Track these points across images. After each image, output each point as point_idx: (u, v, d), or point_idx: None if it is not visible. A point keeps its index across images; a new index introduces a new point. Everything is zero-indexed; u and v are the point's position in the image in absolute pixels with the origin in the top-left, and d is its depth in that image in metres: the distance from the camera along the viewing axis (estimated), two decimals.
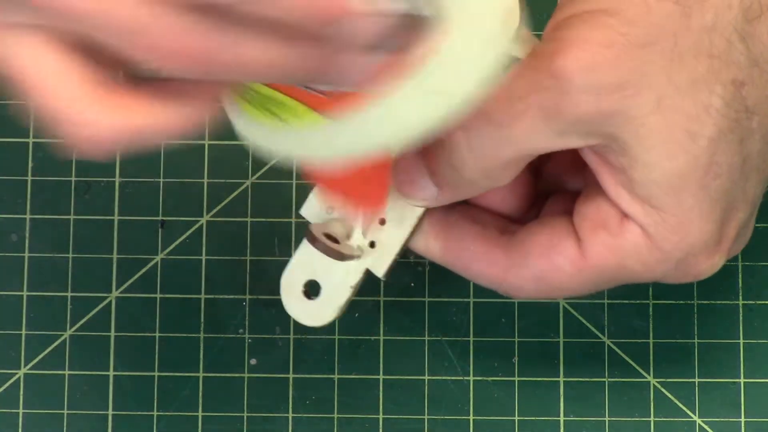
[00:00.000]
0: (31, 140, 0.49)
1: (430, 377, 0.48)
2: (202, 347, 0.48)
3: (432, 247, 0.42)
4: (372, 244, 0.42)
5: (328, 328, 0.46)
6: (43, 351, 0.48)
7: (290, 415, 0.48)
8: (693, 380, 0.48)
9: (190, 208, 0.49)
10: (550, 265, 0.39)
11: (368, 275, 0.43)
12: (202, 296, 0.49)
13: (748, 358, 0.48)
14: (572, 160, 0.41)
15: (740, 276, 0.48)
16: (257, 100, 0.35)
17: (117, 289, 0.49)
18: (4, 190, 0.49)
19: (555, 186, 0.42)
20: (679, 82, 0.35)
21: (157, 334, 0.48)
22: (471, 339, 0.48)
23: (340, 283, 0.43)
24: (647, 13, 0.35)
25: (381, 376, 0.48)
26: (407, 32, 0.30)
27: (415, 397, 0.48)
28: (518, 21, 0.40)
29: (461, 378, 0.48)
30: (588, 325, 0.48)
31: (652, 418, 0.48)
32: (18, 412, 0.48)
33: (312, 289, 0.43)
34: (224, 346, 0.48)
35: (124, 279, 0.49)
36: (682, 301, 0.48)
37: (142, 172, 0.49)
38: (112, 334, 0.49)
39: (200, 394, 0.48)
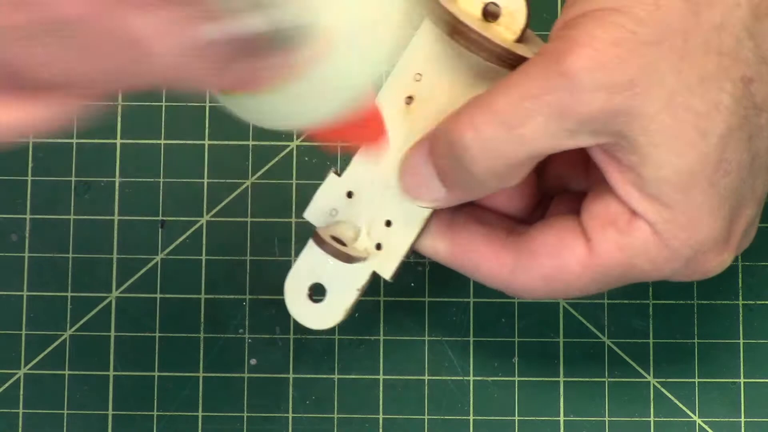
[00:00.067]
0: (31, 140, 0.49)
1: (430, 377, 0.48)
2: (202, 347, 0.48)
3: (439, 248, 0.42)
4: (378, 246, 0.42)
5: (329, 328, 0.46)
6: (43, 351, 0.48)
7: (290, 415, 0.48)
8: (693, 380, 0.48)
9: (190, 208, 0.49)
10: (559, 264, 0.39)
11: (374, 277, 0.43)
12: (202, 296, 0.49)
13: (748, 358, 0.48)
14: (575, 159, 0.41)
15: (740, 276, 0.48)
16: None
17: (117, 289, 0.49)
18: (4, 190, 0.49)
19: (558, 186, 0.42)
20: (688, 80, 0.36)
21: (157, 334, 0.48)
22: (471, 339, 0.48)
23: (346, 285, 0.43)
24: (656, 11, 0.35)
25: (381, 376, 0.48)
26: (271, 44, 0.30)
27: (415, 397, 0.48)
28: (524, 21, 0.40)
29: (461, 378, 0.48)
30: (588, 325, 0.48)
31: (652, 418, 0.48)
32: (18, 412, 0.48)
33: (317, 292, 0.43)
34: (224, 346, 0.48)
35: (124, 279, 0.49)
36: (682, 301, 0.48)
37: (142, 172, 0.49)
38: (112, 334, 0.49)
39: (200, 394, 0.48)
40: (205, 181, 0.49)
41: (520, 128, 0.36)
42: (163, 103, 0.49)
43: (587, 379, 0.48)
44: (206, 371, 0.48)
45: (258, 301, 0.49)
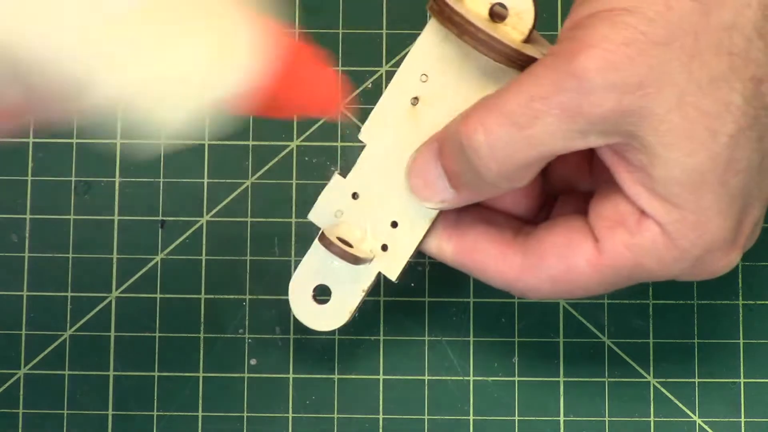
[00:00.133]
0: (31, 140, 0.49)
1: (430, 377, 0.48)
2: (202, 347, 0.48)
3: (445, 249, 0.42)
4: (384, 247, 0.42)
5: None
6: (43, 351, 0.48)
7: (290, 415, 0.48)
8: (693, 380, 0.48)
9: (190, 208, 0.49)
10: (567, 265, 0.39)
11: (379, 278, 0.43)
12: (202, 296, 0.49)
13: (748, 358, 0.48)
14: (580, 160, 0.42)
15: (740, 276, 0.48)
16: None
17: (117, 289, 0.49)
18: (4, 190, 0.49)
19: (563, 186, 0.42)
20: (699, 80, 0.36)
21: (157, 334, 0.48)
22: (471, 339, 0.48)
23: (351, 287, 0.43)
24: (667, 12, 0.35)
25: (381, 376, 0.48)
26: None
27: (415, 397, 0.48)
28: (532, 22, 0.40)
29: (461, 378, 0.48)
30: (588, 325, 0.48)
31: (652, 418, 0.48)
32: (18, 412, 0.48)
33: (321, 294, 0.43)
34: (224, 346, 0.48)
35: (124, 279, 0.49)
36: (682, 301, 0.48)
37: (142, 172, 0.49)
38: (112, 334, 0.49)
39: (200, 394, 0.48)
40: (205, 181, 0.49)
41: (531, 129, 0.36)
42: None
43: (587, 379, 0.48)
44: (206, 371, 0.48)
45: (258, 301, 0.49)
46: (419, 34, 0.41)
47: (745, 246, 0.39)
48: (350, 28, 0.50)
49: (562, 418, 0.48)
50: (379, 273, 0.42)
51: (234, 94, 0.33)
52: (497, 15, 0.40)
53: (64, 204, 0.49)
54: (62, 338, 0.48)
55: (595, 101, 0.36)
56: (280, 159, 0.49)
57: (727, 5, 0.36)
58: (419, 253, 0.43)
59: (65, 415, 0.48)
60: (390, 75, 0.41)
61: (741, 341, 0.48)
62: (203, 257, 0.49)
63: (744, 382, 0.48)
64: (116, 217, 0.49)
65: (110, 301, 0.49)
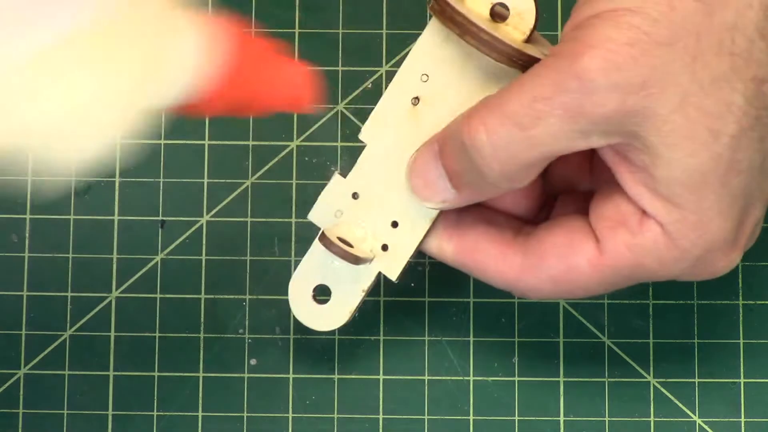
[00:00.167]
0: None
1: (430, 377, 0.48)
2: (202, 347, 0.48)
3: (445, 248, 0.42)
4: (384, 247, 0.42)
5: None
6: (43, 351, 0.48)
7: (290, 415, 0.48)
8: (693, 380, 0.48)
9: (190, 208, 0.49)
10: (568, 265, 0.39)
11: (379, 278, 0.43)
12: (202, 296, 0.49)
13: (748, 358, 0.48)
14: (580, 160, 0.42)
15: (740, 276, 0.48)
16: None
17: (117, 289, 0.49)
18: (4, 190, 0.49)
19: (563, 186, 0.42)
20: (701, 80, 0.36)
21: (157, 334, 0.48)
22: (471, 339, 0.48)
23: (351, 287, 0.43)
24: (670, 12, 0.35)
25: (381, 376, 0.48)
26: None
27: (415, 397, 0.48)
28: (534, 21, 0.40)
29: (461, 378, 0.48)
30: (588, 325, 0.48)
31: (652, 418, 0.48)
32: (18, 412, 0.48)
33: (321, 294, 0.43)
34: (224, 346, 0.48)
35: (124, 279, 0.49)
36: (682, 301, 0.48)
37: (142, 172, 0.49)
38: (112, 334, 0.49)
39: (200, 394, 0.48)
40: (205, 181, 0.49)
41: (533, 129, 0.36)
42: None
43: (587, 379, 0.48)
44: (206, 371, 0.48)
45: (258, 301, 0.49)
46: (420, 34, 0.41)
47: (746, 246, 0.39)
48: (350, 28, 0.50)
49: (562, 418, 0.48)
50: (380, 273, 0.42)
51: (182, 99, 0.33)
52: (498, 15, 0.40)
53: (64, 204, 0.49)
54: (62, 338, 0.48)
55: (597, 102, 0.36)
56: (280, 159, 0.49)
57: (729, 6, 0.36)
58: (419, 253, 0.43)
59: (65, 415, 0.48)
60: (390, 75, 0.41)
61: (741, 341, 0.48)
62: (203, 257, 0.49)
63: (744, 382, 0.48)
64: (116, 217, 0.49)
65: (110, 301, 0.49)
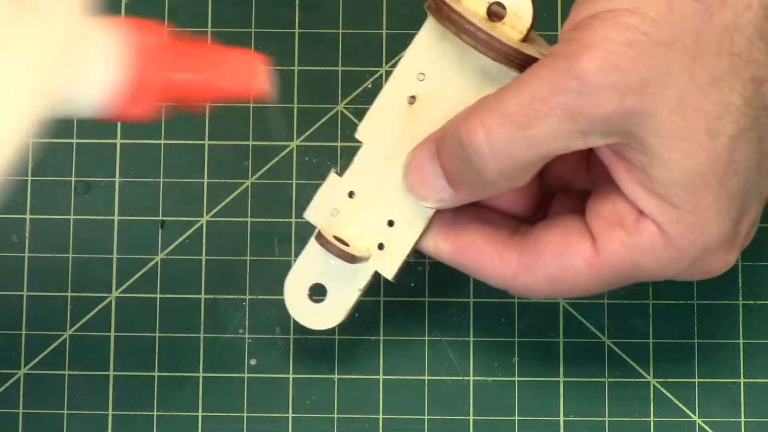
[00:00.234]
0: (31, 140, 0.49)
1: (430, 377, 0.48)
2: (202, 347, 0.48)
3: (442, 248, 0.42)
4: (381, 246, 0.42)
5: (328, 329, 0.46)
6: (43, 351, 0.48)
7: (290, 415, 0.48)
8: (693, 380, 0.48)
9: (190, 208, 0.49)
10: (565, 264, 0.39)
11: (375, 277, 0.43)
12: (202, 296, 0.49)
13: (748, 358, 0.48)
14: (577, 159, 0.42)
15: (740, 276, 0.48)
16: None
17: (117, 289, 0.49)
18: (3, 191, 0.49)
19: (560, 185, 0.42)
20: (700, 81, 0.36)
21: (157, 334, 0.48)
22: (471, 339, 0.48)
23: (347, 285, 0.43)
24: (669, 12, 0.36)
25: (381, 376, 0.48)
26: None
27: (415, 397, 0.48)
28: (531, 20, 0.40)
29: (461, 378, 0.48)
30: (588, 325, 0.48)
31: (652, 418, 0.48)
32: (18, 412, 0.48)
33: (317, 292, 0.43)
34: (224, 346, 0.48)
35: (124, 279, 0.49)
36: (682, 301, 0.48)
37: (142, 172, 0.49)
38: (112, 334, 0.49)
39: (200, 394, 0.48)
40: (205, 181, 0.49)
41: (531, 129, 0.36)
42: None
43: (587, 379, 0.48)
44: (206, 371, 0.48)
45: (258, 301, 0.49)
46: None
47: (743, 246, 0.39)
48: (350, 28, 0.50)
49: (562, 418, 0.48)
50: (376, 272, 0.42)
51: (99, 103, 0.33)
52: (495, 14, 0.40)
53: (64, 204, 0.49)
54: (62, 338, 0.48)
55: (596, 102, 0.36)
56: (280, 159, 0.49)
57: (728, 6, 0.36)
58: (419, 253, 0.43)
59: (65, 415, 0.48)
60: (390, 75, 0.41)
61: (741, 341, 0.48)
62: (203, 257, 0.49)
63: (744, 382, 0.48)
64: (116, 217, 0.49)
65: (110, 301, 0.49)
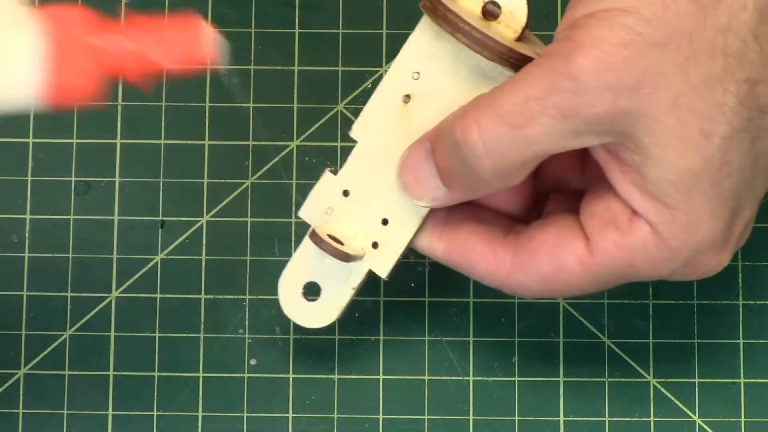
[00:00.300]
0: (31, 140, 0.49)
1: (430, 377, 0.48)
2: (202, 347, 0.48)
3: (436, 246, 0.42)
4: (375, 245, 0.42)
5: (328, 328, 0.46)
6: (43, 351, 0.48)
7: (290, 415, 0.48)
8: (693, 380, 0.48)
9: (190, 208, 0.49)
10: (558, 263, 0.39)
11: (369, 276, 0.43)
12: (202, 296, 0.49)
13: (748, 358, 0.48)
14: (572, 159, 0.42)
15: (740, 276, 0.48)
16: None
17: (117, 289, 0.49)
18: (4, 190, 0.49)
19: (554, 185, 0.42)
20: (694, 81, 0.36)
21: (157, 334, 0.48)
22: (471, 339, 0.48)
23: (341, 284, 0.43)
24: (664, 12, 0.36)
25: (381, 376, 0.48)
26: None
27: (415, 397, 0.48)
28: (525, 19, 0.40)
29: (461, 378, 0.48)
30: (588, 325, 0.48)
31: (652, 418, 0.48)
32: (18, 412, 0.48)
33: (311, 291, 0.43)
34: (224, 346, 0.48)
35: (124, 279, 0.49)
36: (682, 301, 0.48)
37: (142, 172, 0.49)
38: (112, 334, 0.49)
39: (200, 394, 0.48)
40: (205, 181, 0.49)
41: (526, 129, 0.36)
42: (163, 103, 0.49)
43: (587, 379, 0.48)
44: (206, 371, 0.48)
45: (258, 301, 0.49)
46: None
47: (736, 246, 0.39)
48: (350, 28, 0.50)
49: (562, 418, 0.48)
50: (370, 271, 0.42)
51: (29, 91, 0.33)
52: (490, 13, 0.40)
53: (64, 204, 0.49)
54: (62, 338, 0.48)
55: (590, 102, 0.36)
56: (280, 159, 0.49)
57: (723, 7, 0.36)
58: (420, 253, 0.43)
59: (65, 415, 0.48)
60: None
61: (741, 341, 0.48)
62: (203, 257, 0.49)
63: (744, 382, 0.48)
64: (116, 217, 0.49)
65: (110, 301, 0.49)
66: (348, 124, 0.49)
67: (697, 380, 0.48)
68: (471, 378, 0.48)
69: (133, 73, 0.35)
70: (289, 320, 0.44)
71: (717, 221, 0.37)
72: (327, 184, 0.42)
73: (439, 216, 0.42)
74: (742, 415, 0.48)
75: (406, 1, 0.49)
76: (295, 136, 0.49)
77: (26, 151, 0.49)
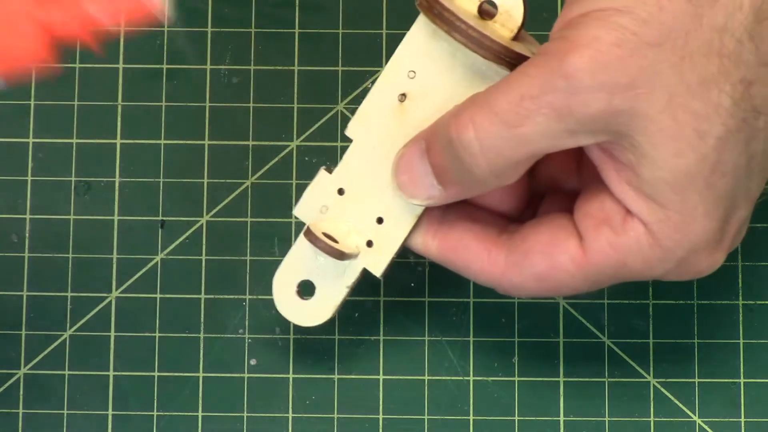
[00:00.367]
0: (31, 140, 0.49)
1: (430, 377, 0.48)
2: (202, 347, 0.48)
3: (430, 245, 0.42)
4: (369, 243, 0.42)
5: (328, 328, 0.46)
6: (43, 351, 0.48)
7: (290, 415, 0.48)
8: (693, 380, 0.48)
9: (190, 208, 0.49)
10: (552, 263, 0.39)
11: (363, 274, 0.43)
12: (202, 296, 0.49)
13: (748, 358, 0.48)
14: (567, 158, 0.42)
15: (740, 276, 0.48)
16: None
17: (117, 289, 0.49)
18: (4, 190, 0.49)
19: (549, 185, 0.42)
20: (689, 81, 0.36)
21: (157, 334, 0.48)
22: (471, 339, 0.48)
23: (336, 282, 0.43)
24: (660, 12, 0.36)
25: (381, 376, 0.48)
26: None
27: (415, 397, 0.48)
28: (521, 19, 0.40)
29: (461, 378, 0.48)
30: (588, 325, 0.48)
31: (652, 418, 0.48)
32: (18, 412, 0.48)
33: (305, 289, 0.43)
34: (224, 346, 0.48)
35: (124, 279, 0.49)
36: (682, 301, 0.48)
37: (142, 172, 0.49)
38: (112, 334, 0.49)
39: (200, 394, 0.48)
40: (205, 181, 0.49)
41: (521, 128, 0.37)
42: (163, 104, 0.49)
43: (587, 379, 0.48)
44: (206, 371, 0.48)
45: (258, 301, 0.49)
46: None
47: (731, 247, 0.39)
48: (350, 28, 0.50)
49: (562, 418, 0.48)
50: (364, 269, 0.42)
51: None
52: (486, 12, 0.40)
53: (64, 204, 0.49)
54: (62, 338, 0.48)
55: (585, 101, 0.36)
56: (280, 159, 0.49)
57: (718, 7, 0.36)
58: (412, 252, 0.43)
59: (65, 415, 0.48)
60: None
61: (741, 341, 0.48)
62: (203, 257, 0.49)
63: (744, 382, 0.48)
64: (116, 217, 0.49)
65: (110, 301, 0.49)
66: (348, 124, 0.49)
67: (697, 380, 0.48)
68: (471, 378, 0.48)
69: (78, 33, 0.34)
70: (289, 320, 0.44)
71: (711, 221, 0.37)
72: (322, 183, 0.43)
73: (434, 215, 0.42)
74: (742, 415, 0.48)
75: (405, 1, 0.49)
76: (295, 136, 0.49)
77: (26, 151, 0.49)
